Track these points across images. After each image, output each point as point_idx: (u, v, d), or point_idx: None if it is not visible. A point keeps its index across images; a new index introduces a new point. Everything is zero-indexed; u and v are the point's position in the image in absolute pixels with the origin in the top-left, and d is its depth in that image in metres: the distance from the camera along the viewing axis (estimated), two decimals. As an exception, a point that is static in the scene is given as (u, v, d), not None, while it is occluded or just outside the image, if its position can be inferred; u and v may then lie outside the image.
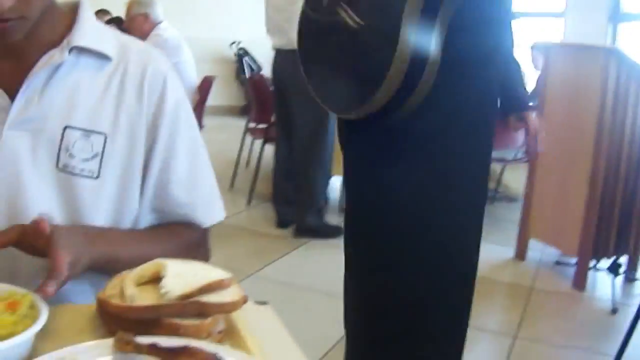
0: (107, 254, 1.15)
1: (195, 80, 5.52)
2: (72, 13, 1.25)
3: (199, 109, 5.57)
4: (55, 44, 1.20)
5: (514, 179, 5.99)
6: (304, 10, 2.07)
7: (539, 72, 7.23)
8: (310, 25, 2.05)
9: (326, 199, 5.53)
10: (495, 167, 6.09)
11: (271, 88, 5.40)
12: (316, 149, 4.93)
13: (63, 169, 1.19)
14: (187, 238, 1.35)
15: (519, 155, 5.70)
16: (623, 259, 4.29)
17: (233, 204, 5.84)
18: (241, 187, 6.12)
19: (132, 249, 1.21)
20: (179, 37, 5.38)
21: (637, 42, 7.84)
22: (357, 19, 1.80)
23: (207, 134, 5.63)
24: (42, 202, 1.18)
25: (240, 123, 7.14)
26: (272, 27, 4.91)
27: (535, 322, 3.77)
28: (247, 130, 6.59)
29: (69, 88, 1.20)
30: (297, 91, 4.78)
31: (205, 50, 10.81)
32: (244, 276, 4.19)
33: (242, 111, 10.47)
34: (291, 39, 4.69)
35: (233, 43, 11.41)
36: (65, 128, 1.19)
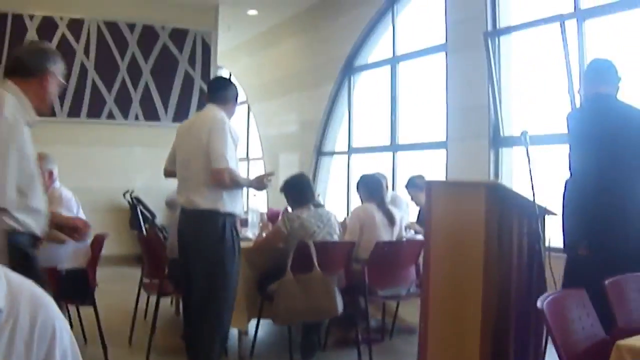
0: None
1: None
2: None
3: (92, 267, 5.47)
4: None
5: (411, 312, 6.04)
6: None
7: (418, 207, 7.49)
8: None
9: (225, 351, 5.45)
10: (391, 303, 6.15)
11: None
12: (214, 309, 4.80)
13: None
14: None
15: (412, 290, 5.78)
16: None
17: (132, 361, 5.66)
18: (139, 342, 5.94)
19: None
20: (71, 195, 5.43)
21: (519, 165, 8.14)
22: None
23: (102, 286, 5.58)
24: None
25: (135, 272, 7.02)
26: (181, 188, 4.95)
27: None
28: (142, 284, 6.49)
29: None
30: (196, 249, 4.80)
31: (99, 199, 10.79)
32: None
33: (137, 260, 10.33)
34: (195, 202, 4.76)
35: (127, 192, 11.37)
36: None
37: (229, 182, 4.68)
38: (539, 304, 2.61)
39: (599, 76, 4.60)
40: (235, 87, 5.11)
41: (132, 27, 11.56)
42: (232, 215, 4.80)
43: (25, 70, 3.36)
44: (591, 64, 4.81)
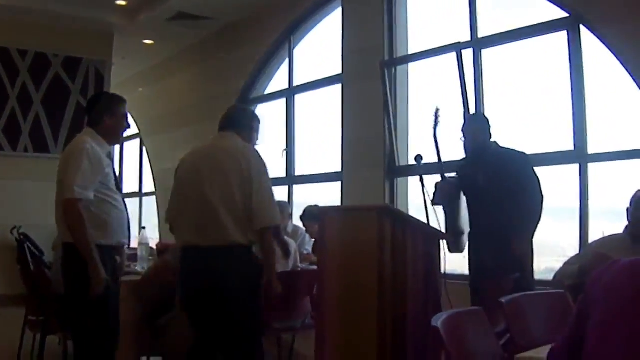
0: None
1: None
2: None
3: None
4: None
5: (307, 346, 5.88)
6: None
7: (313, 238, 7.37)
8: None
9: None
10: (287, 336, 5.98)
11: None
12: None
13: None
14: None
15: (308, 321, 5.64)
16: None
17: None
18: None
19: None
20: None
21: (415, 195, 8.15)
22: None
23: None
24: None
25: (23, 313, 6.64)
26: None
27: None
28: (27, 322, 6.13)
29: None
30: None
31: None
32: None
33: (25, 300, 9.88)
34: None
35: (14, 228, 10.89)
36: None
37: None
38: (433, 322, 2.54)
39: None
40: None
41: (23, 53, 11.17)
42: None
43: (241, 125, 4.54)
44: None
